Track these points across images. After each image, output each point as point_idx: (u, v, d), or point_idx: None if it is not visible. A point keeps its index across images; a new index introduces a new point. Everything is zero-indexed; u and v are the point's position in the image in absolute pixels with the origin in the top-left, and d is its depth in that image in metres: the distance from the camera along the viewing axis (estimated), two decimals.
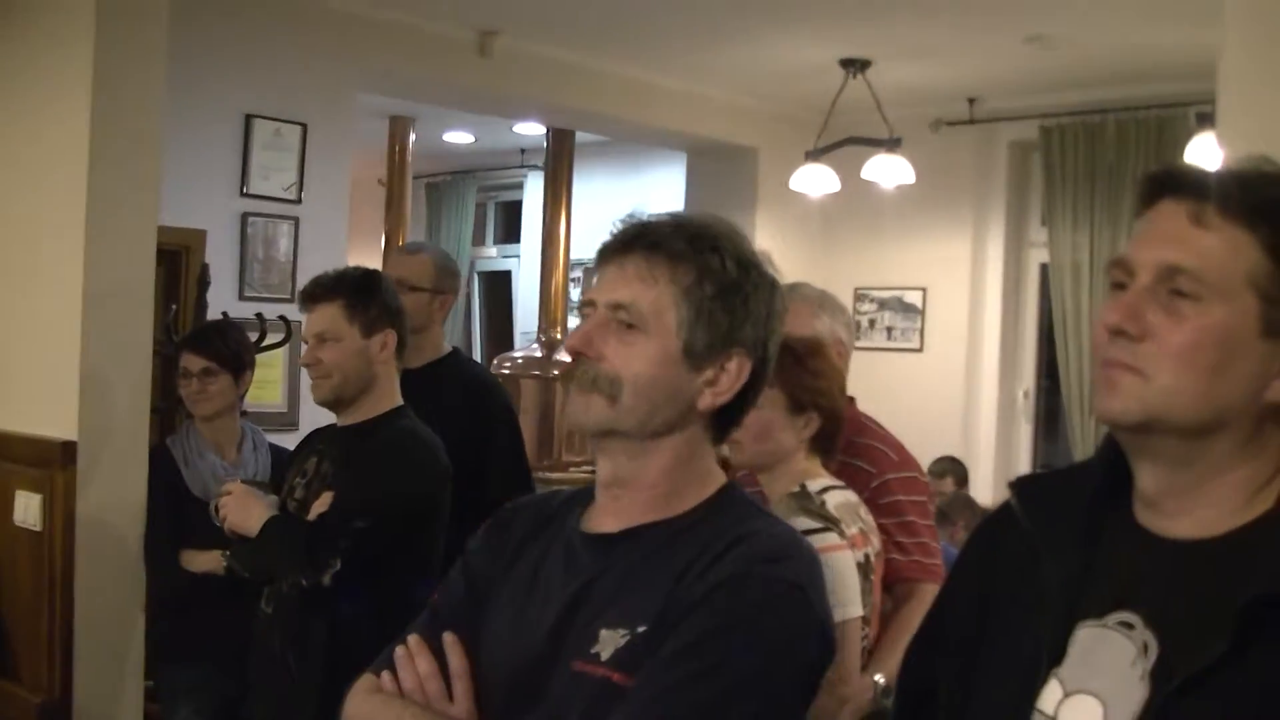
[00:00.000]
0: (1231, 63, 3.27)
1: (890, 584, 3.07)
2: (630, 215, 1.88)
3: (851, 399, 3.25)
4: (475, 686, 1.86)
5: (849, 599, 2.80)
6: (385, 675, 1.88)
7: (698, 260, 1.81)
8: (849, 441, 3.15)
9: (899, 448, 3.30)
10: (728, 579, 1.73)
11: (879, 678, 2.91)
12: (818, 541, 2.75)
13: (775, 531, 1.85)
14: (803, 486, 2.87)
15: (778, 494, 2.91)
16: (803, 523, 2.77)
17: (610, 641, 1.75)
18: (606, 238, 1.88)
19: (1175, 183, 1.54)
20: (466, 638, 1.89)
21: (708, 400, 1.84)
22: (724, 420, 1.89)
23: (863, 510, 2.98)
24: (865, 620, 2.88)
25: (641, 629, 1.74)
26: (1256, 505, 1.50)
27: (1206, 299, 1.46)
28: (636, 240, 1.83)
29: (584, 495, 1.96)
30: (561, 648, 1.78)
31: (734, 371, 1.84)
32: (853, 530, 2.87)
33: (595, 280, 1.87)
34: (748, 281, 1.84)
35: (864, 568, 2.87)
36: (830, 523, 2.81)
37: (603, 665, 1.73)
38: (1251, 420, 1.50)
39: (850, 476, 3.07)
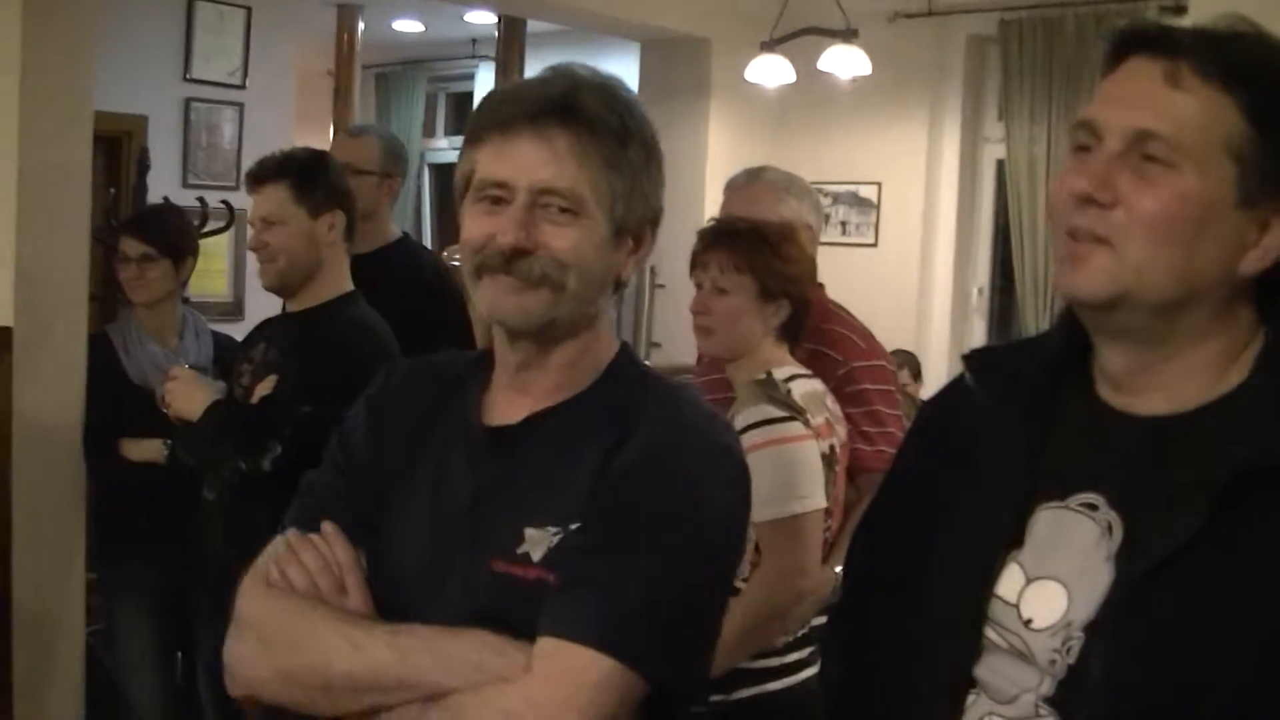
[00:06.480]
0: None
1: (854, 475, 3.01)
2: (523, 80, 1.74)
3: (821, 285, 3.17)
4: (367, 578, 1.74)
5: (812, 490, 2.75)
6: (273, 571, 1.75)
7: (622, 128, 1.68)
8: (816, 328, 3.07)
9: (867, 336, 3.23)
10: (653, 454, 1.65)
11: (839, 569, 2.86)
12: (782, 430, 2.70)
13: (677, 398, 1.77)
14: (769, 374, 2.80)
15: (743, 382, 2.84)
16: (768, 410, 2.72)
17: (540, 541, 1.65)
18: (500, 100, 1.71)
19: (1146, 39, 1.45)
20: (349, 525, 1.77)
21: (629, 270, 1.75)
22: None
23: (829, 399, 2.92)
24: (827, 512, 2.83)
25: (574, 526, 1.64)
26: (1229, 378, 1.44)
27: (1181, 166, 1.38)
28: (554, 109, 1.65)
29: (477, 372, 1.83)
30: (477, 546, 1.68)
31: (650, 237, 1.77)
32: (818, 420, 2.81)
33: (494, 152, 1.68)
34: (658, 144, 1.73)
35: (828, 458, 2.82)
36: (795, 411, 2.75)
37: (536, 566, 1.64)
38: (1224, 293, 1.43)
39: (817, 364, 3.00)
